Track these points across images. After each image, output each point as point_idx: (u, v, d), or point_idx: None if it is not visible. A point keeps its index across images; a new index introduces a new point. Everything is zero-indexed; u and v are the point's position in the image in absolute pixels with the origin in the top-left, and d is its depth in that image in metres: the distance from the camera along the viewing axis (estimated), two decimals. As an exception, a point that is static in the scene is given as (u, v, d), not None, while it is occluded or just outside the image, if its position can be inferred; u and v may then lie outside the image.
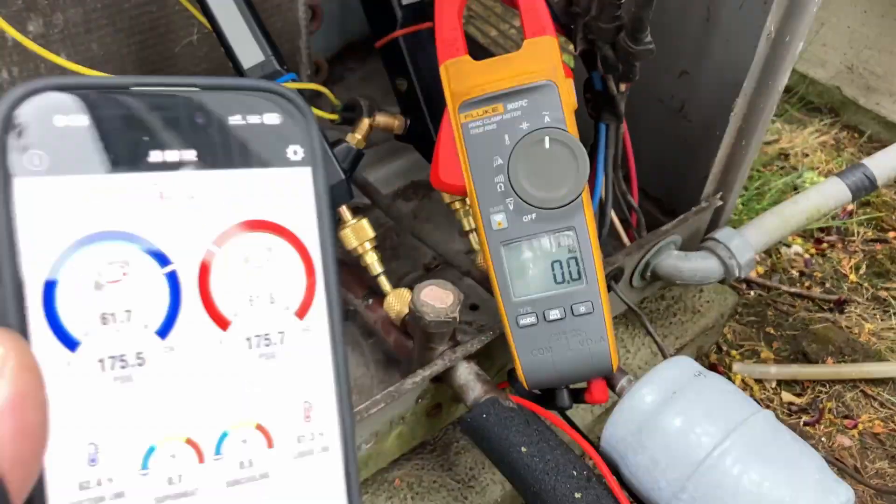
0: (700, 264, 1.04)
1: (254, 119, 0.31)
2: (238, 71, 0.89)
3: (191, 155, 0.30)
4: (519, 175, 0.80)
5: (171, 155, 0.29)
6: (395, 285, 0.96)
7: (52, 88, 0.28)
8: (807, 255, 1.52)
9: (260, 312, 0.31)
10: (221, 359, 0.30)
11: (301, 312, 0.32)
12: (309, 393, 0.32)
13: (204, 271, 0.30)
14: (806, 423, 1.26)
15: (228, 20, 0.88)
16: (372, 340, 1.05)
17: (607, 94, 0.95)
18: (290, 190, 0.32)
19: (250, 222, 0.31)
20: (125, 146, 0.29)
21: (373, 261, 0.94)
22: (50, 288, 0.27)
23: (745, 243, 1.04)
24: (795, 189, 1.62)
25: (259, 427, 0.31)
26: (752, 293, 1.44)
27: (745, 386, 1.30)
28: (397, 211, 1.18)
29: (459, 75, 0.83)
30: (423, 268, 1.18)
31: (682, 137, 1.10)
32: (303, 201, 0.32)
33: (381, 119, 1.01)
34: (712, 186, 1.08)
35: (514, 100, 0.81)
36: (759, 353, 1.35)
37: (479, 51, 1.38)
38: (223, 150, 0.30)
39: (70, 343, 0.28)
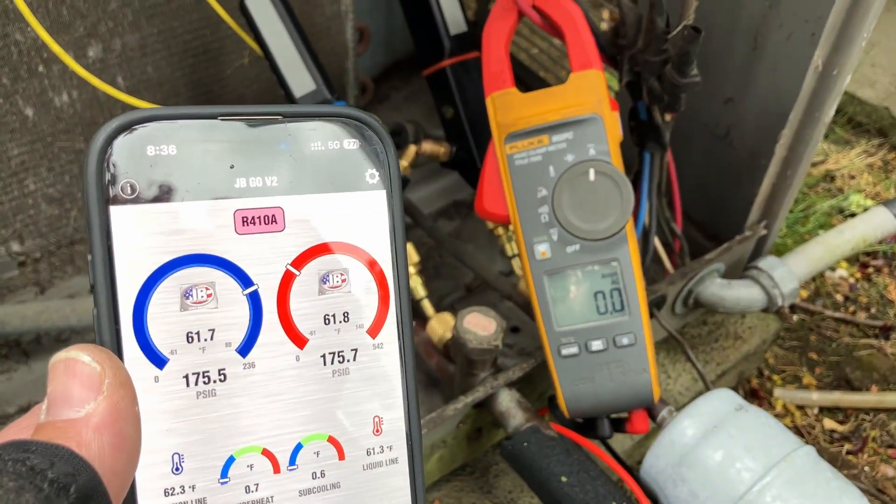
0: (743, 293, 1.04)
1: (334, 145, 0.32)
2: (289, 98, 0.92)
3: (273, 181, 0.31)
4: (563, 206, 0.81)
5: (255, 181, 0.31)
6: (437, 304, 0.97)
7: (145, 120, 0.29)
8: (852, 280, 1.51)
9: (335, 331, 0.32)
10: (297, 375, 0.32)
11: (373, 331, 0.33)
12: (379, 407, 0.33)
13: (283, 292, 0.32)
14: (849, 452, 1.25)
15: (281, 49, 0.91)
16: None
17: (652, 124, 0.96)
18: (366, 212, 0.33)
19: (328, 244, 0.32)
20: (212, 173, 0.30)
21: (417, 284, 0.96)
22: (140, 309, 0.29)
23: (788, 273, 1.04)
24: (841, 212, 1.61)
25: (331, 440, 0.32)
26: (794, 317, 1.43)
27: (786, 412, 1.29)
28: (439, 231, 1.19)
29: (506, 107, 0.84)
30: (465, 288, 1.19)
31: (726, 163, 1.10)
32: (378, 223, 0.33)
33: (428, 146, 1.03)
34: (756, 214, 1.08)
35: (559, 132, 0.82)
36: (800, 379, 1.34)
37: (518, 68, 1.39)
38: (304, 176, 0.32)
39: (158, 360, 0.30)
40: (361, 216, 0.33)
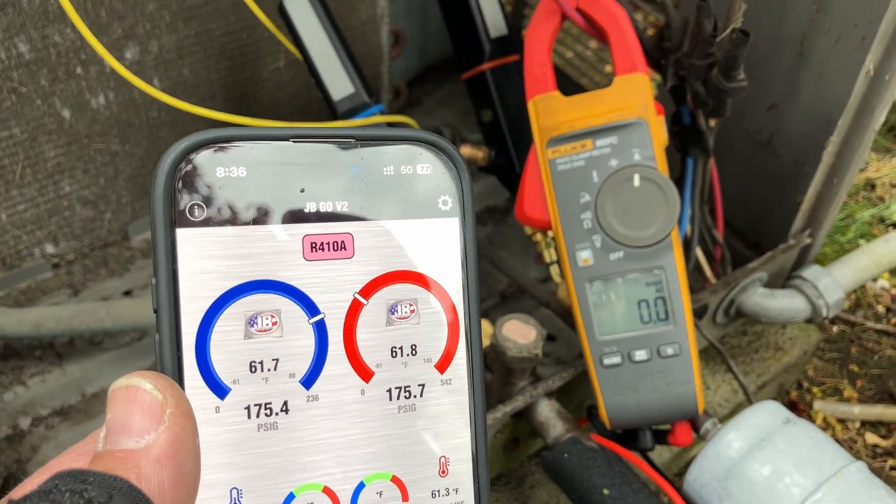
0: (786, 303, 1.01)
1: (407, 169, 0.31)
2: (327, 101, 0.91)
3: (344, 206, 0.30)
4: (607, 212, 0.79)
5: (325, 206, 0.30)
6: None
7: (217, 141, 0.29)
8: (894, 291, 1.47)
9: (402, 364, 0.31)
10: (362, 409, 0.31)
11: (442, 365, 0.32)
12: (446, 447, 0.32)
13: (350, 322, 0.31)
14: (892, 468, 1.22)
15: (319, 51, 0.90)
16: (449, 369, 1.05)
17: (696, 129, 0.94)
18: (438, 240, 0.32)
19: (397, 273, 0.31)
20: (281, 197, 0.29)
21: (453, 291, 0.94)
22: (204, 336, 0.28)
23: (833, 283, 1.01)
24: (882, 221, 1.57)
25: (395, 479, 0.31)
26: (834, 329, 1.40)
27: (826, 425, 1.26)
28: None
29: (548, 111, 0.82)
30: (499, 295, 1.18)
31: (769, 171, 1.08)
32: (449, 252, 0.32)
33: (466, 151, 1.01)
34: (801, 223, 1.05)
35: (603, 136, 0.80)
36: (841, 392, 1.31)
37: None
38: (375, 201, 0.31)
39: (220, 390, 0.29)
40: (433, 244, 0.32)
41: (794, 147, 1.03)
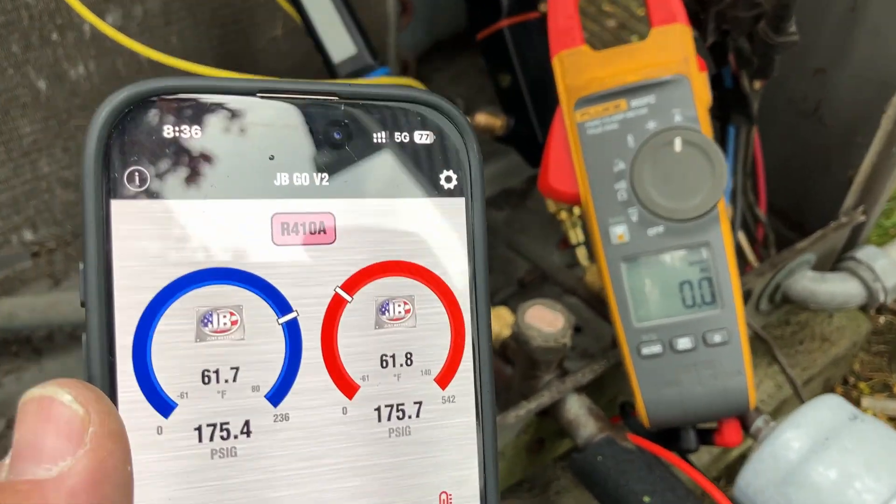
0: (839, 287, 0.91)
1: (402, 137, 0.26)
2: (327, 64, 0.82)
3: (323, 179, 0.25)
4: (644, 181, 0.70)
5: (300, 178, 0.25)
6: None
7: (163, 92, 0.23)
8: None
9: (394, 376, 0.26)
10: (344, 433, 0.25)
11: (444, 379, 0.26)
12: (447, 481, 0.26)
13: (330, 323, 0.25)
14: (949, 469, 1.12)
15: (318, 9, 0.81)
16: (464, 363, 0.96)
17: (739, 93, 0.84)
18: (440, 224, 0.27)
19: (389, 264, 0.26)
20: (245, 166, 0.24)
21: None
22: (144, 337, 0.23)
23: (892, 264, 0.92)
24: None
25: None
26: (882, 319, 1.30)
27: (875, 423, 1.17)
28: (492, 220, 1.08)
29: (575, 68, 0.73)
30: (518, 282, 1.09)
31: (814, 143, 0.98)
32: (454, 239, 0.27)
33: (482, 119, 0.92)
34: (853, 199, 0.96)
35: (639, 96, 0.71)
36: (890, 387, 1.21)
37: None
38: (363, 175, 0.26)
39: (163, 406, 0.23)
40: (433, 229, 0.27)
41: (844, 115, 0.93)
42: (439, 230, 0.27)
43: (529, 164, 0.98)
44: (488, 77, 0.98)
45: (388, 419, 0.26)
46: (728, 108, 0.87)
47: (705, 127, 0.71)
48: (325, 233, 0.25)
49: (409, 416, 0.26)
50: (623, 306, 0.72)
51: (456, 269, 0.27)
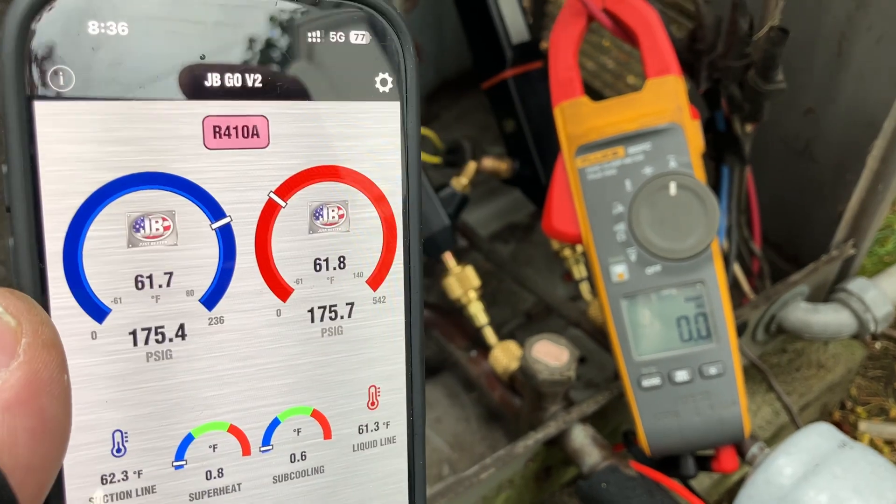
0: (831, 318, 0.95)
1: (337, 37, 0.25)
2: None
3: (256, 80, 0.24)
4: (642, 223, 0.74)
5: (232, 79, 0.24)
6: (496, 334, 0.90)
7: None
8: (936, 304, 1.41)
9: (327, 279, 0.26)
10: (278, 333, 0.25)
11: (375, 281, 0.27)
12: (376, 375, 0.27)
13: (264, 227, 0.25)
14: (944, 491, 1.15)
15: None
16: (474, 394, 1.00)
17: (731, 135, 0.89)
18: (374, 129, 0.26)
19: (323, 168, 0.25)
20: (174, 65, 0.23)
21: (478, 311, 0.89)
22: (74, 243, 0.22)
23: (881, 295, 0.96)
24: (920, 232, 1.51)
25: (316, 414, 0.26)
26: (877, 345, 1.34)
27: (872, 447, 1.20)
28: (498, 254, 1.13)
29: (576, 117, 0.78)
30: (524, 315, 1.13)
31: (806, 179, 1.03)
32: (388, 145, 0.26)
33: (489, 162, 0.97)
34: (843, 233, 1.00)
35: (636, 143, 0.75)
36: (887, 411, 1.25)
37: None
38: (297, 77, 0.25)
39: (97, 311, 0.23)
40: (368, 134, 0.26)
41: (834, 153, 0.98)
42: (373, 135, 0.26)
43: (534, 204, 1.02)
44: (494, 119, 1.02)
45: (322, 320, 0.26)
46: (722, 149, 0.91)
47: (699, 172, 0.75)
48: (258, 136, 0.25)
49: (342, 317, 0.26)
50: (624, 341, 0.76)
51: (389, 175, 0.27)
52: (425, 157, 0.98)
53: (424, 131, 0.95)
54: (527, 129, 0.96)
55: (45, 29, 0.22)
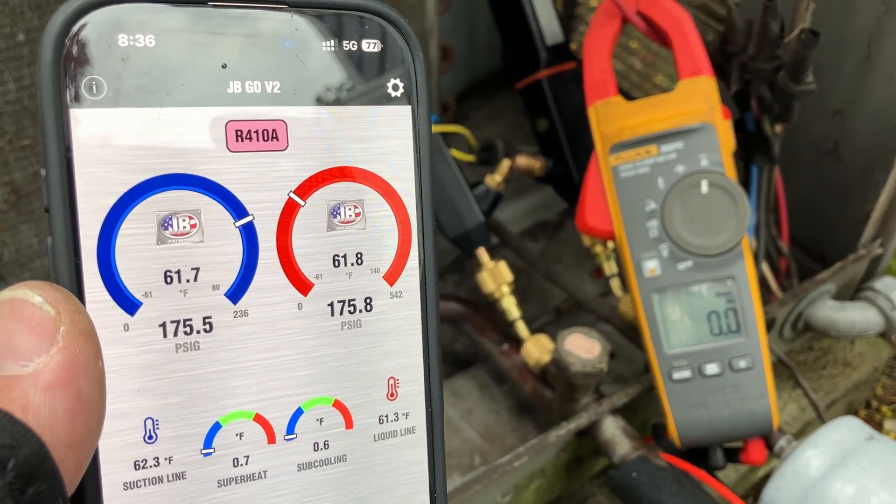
0: (858, 316, 0.97)
1: (350, 45, 0.27)
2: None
3: (275, 87, 0.26)
4: (674, 220, 0.76)
5: (253, 86, 0.26)
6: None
7: (116, 0, 0.24)
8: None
9: (345, 275, 0.27)
10: (299, 326, 0.27)
11: (391, 276, 0.28)
12: (395, 367, 0.28)
13: (284, 225, 0.26)
14: (970, 490, 1.15)
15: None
16: (506, 386, 1.02)
17: (761, 135, 0.90)
18: (387, 132, 0.28)
19: (340, 169, 0.27)
20: (199, 74, 0.25)
21: (510, 305, 0.91)
22: (107, 240, 0.24)
23: (908, 294, 0.97)
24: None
25: (337, 404, 0.28)
26: (902, 344, 1.35)
27: (897, 446, 1.21)
28: (529, 251, 1.15)
29: (610, 117, 0.80)
30: (554, 311, 1.15)
31: (834, 180, 1.04)
32: (401, 147, 0.28)
33: (522, 160, 0.99)
34: (871, 232, 1.01)
35: (669, 142, 0.77)
36: (912, 411, 1.26)
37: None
38: (313, 83, 0.26)
39: (129, 305, 0.24)
40: (381, 136, 0.27)
41: (861, 154, 0.99)
42: (387, 137, 0.28)
43: (566, 202, 1.04)
44: (527, 119, 1.05)
45: (341, 314, 0.27)
46: (751, 149, 0.93)
47: (730, 170, 0.77)
48: (277, 139, 0.26)
49: (360, 311, 0.28)
50: (655, 334, 0.78)
51: (403, 174, 0.28)
52: (460, 154, 1.00)
53: (460, 129, 0.97)
54: (560, 129, 0.98)
55: (79, 42, 0.23)
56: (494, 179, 0.94)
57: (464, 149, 1.03)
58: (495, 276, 0.90)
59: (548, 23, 0.98)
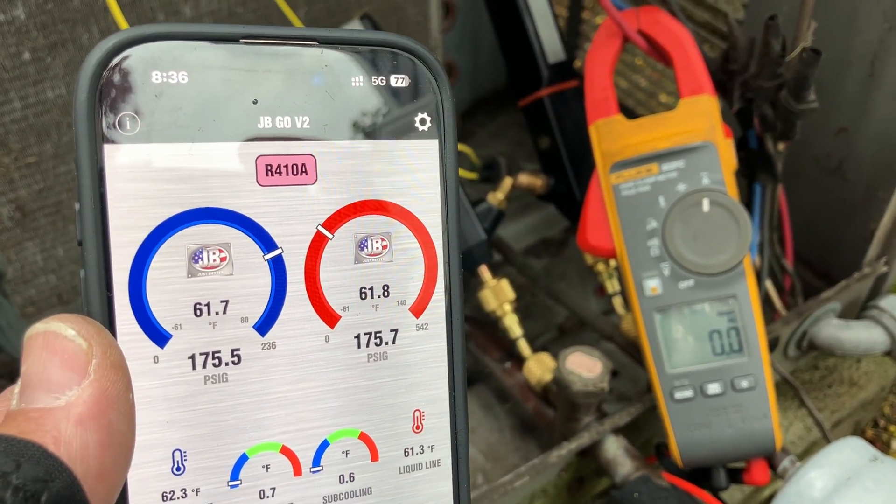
0: (863, 335, 0.96)
1: (379, 80, 0.27)
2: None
3: (304, 122, 0.26)
4: (675, 239, 0.76)
5: (282, 121, 0.26)
6: (529, 347, 0.92)
7: (150, 39, 0.24)
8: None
9: (372, 307, 0.28)
10: (326, 358, 0.27)
11: (417, 309, 0.28)
12: (421, 400, 0.28)
13: (312, 258, 0.27)
14: (979, 511, 1.14)
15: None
16: (508, 405, 1.02)
17: (764, 154, 0.90)
18: (414, 166, 0.28)
19: (367, 203, 0.27)
20: (231, 110, 0.25)
21: (512, 323, 0.91)
22: (139, 273, 0.24)
23: (914, 313, 0.96)
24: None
25: (363, 437, 0.28)
26: (910, 363, 1.33)
27: (905, 466, 1.19)
28: (532, 269, 1.15)
29: (611, 135, 0.80)
30: (557, 329, 1.14)
31: (838, 198, 1.04)
32: (427, 180, 0.28)
33: (524, 178, 0.99)
34: (875, 251, 1.01)
35: (670, 160, 0.77)
36: (920, 431, 1.24)
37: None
38: (341, 118, 0.27)
39: (159, 337, 0.25)
40: (408, 170, 0.28)
41: (866, 172, 0.99)
42: (414, 170, 0.28)
43: (568, 220, 1.04)
44: (529, 136, 1.05)
45: (367, 346, 0.27)
46: (754, 167, 0.92)
47: (731, 189, 0.77)
48: (306, 174, 0.26)
49: (386, 343, 0.28)
50: (657, 354, 0.78)
51: (429, 207, 0.28)
52: (462, 172, 1.00)
53: (461, 147, 0.97)
54: (562, 146, 0.98)
55: (114, 79, 0.24)
56: (497, 197, 0.94)
57: (466, 166, 1.03)
58: (497, 294, 0.90)
59: (549, 41, 0.98)
